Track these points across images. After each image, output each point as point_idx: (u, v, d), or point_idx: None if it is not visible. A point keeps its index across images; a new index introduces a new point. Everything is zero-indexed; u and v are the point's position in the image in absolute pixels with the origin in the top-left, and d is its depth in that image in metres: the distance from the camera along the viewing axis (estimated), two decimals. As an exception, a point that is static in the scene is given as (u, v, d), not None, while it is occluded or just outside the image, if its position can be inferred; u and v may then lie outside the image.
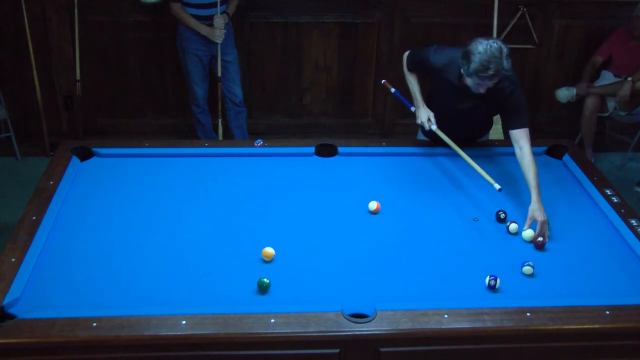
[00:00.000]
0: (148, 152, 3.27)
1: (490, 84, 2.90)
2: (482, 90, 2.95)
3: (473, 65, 2.81)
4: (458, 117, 3.21)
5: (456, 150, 3.14)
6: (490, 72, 2.81)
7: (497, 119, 3.55)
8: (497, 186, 2.88)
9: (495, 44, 2.82)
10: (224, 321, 2.22)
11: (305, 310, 2.27)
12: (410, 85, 3.38)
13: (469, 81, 2.95)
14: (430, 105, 3.30)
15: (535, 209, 2.77)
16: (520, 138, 2.98)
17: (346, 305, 2.30)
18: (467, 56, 2.85)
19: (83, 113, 4.90)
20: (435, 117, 3.24)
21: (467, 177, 3.16)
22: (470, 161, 3.04)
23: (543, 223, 2.73)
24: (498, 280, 2.43)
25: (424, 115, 3.26)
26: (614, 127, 5.24)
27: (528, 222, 2.78)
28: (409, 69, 3.37)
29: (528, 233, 2.74)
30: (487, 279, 2.45)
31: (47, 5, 4.65)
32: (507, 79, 2.99)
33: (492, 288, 2.44)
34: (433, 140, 3.37)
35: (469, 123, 3.28)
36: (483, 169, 3.00)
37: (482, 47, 2.81)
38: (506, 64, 2.83)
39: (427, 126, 3.24)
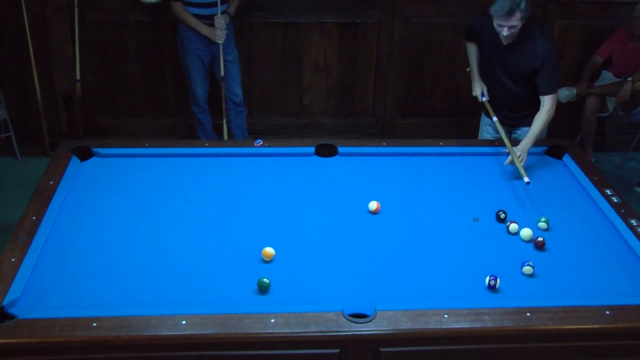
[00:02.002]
0: (148, 152, 3.27)
1: (511, 22, 3.12)
2: (505, 33, 3.17)
3: (494, 7, 3.12)
4: (500, 82, 3.45)
5: (499, 128, 3.37)
6: (505, 10, 3.07)
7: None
8: (527, 179, 3.02)
9: None
10: (224, 321, 2.22)
11: (305, 310, 2.27)
12: (469, 57, 3.70)
13: (496, 27, 3.20)
14: (481, 76, 3.62)
15: (518, 148, 3.18)
16: (547, 101, 3.34)
17: (346, 305, 2.30)
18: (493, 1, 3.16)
19: (83, 113, 4.90)
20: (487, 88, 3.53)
21: (467, 177, 3.16)
22: (509, 146, 3.20)
23: (519, 154, 3.12)
24: (498, 280, 2.43)
25: (478, 89, 3.60)
26: (614, 127, 5.23)
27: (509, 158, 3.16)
28: (466, 38, 3.66)
29: (527, 232, 2.73)
30: (487, 279, 2.44)
31: (47, 5, 4.65)
32: (542, 36, 3.26)
33: (492, 288, 2.44)
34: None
35: (512, 86, 3.44)
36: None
37: None
38: (524, 5, 3.08)
39: (480, 98, 3.57)
